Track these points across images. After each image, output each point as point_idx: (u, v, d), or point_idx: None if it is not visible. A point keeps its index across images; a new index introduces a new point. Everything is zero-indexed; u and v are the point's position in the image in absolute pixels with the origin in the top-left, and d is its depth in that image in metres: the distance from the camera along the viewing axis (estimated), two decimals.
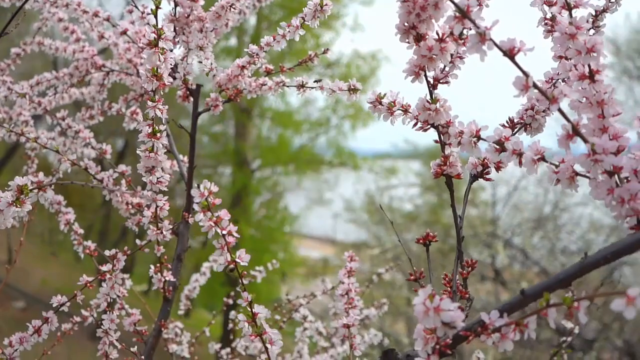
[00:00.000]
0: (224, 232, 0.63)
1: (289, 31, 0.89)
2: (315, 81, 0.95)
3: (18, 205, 0.69)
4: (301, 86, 0.96)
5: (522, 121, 0.71)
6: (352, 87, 0.85)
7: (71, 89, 1.34)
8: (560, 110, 0.52)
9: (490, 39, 0.51)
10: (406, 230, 8.50)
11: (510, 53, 0.52)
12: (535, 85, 0.52)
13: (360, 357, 1.32)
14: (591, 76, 0.55)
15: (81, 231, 1.13)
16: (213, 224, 0.63)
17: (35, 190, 0.70)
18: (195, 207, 0.63)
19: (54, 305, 0.93)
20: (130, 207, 1.02)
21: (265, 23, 10.12)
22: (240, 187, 10.88)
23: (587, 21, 0.57)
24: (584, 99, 0.56)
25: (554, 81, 0.71)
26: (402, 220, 9.28)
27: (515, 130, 0.71)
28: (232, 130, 11.70)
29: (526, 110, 0.71)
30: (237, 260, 0.65)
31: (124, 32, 1.02)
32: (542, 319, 0.51)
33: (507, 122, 0.72)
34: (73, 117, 1.24)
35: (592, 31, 0.71)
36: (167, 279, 1.00)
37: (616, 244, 0.50)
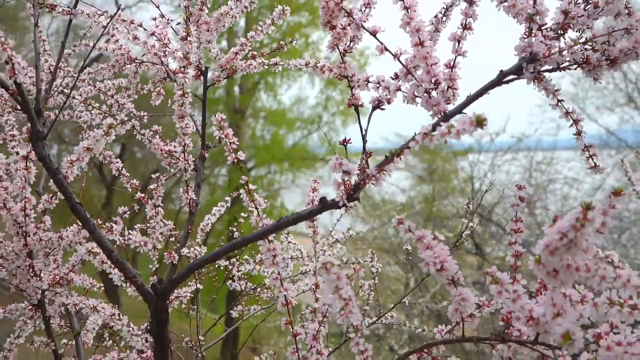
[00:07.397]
0: (230, 140, 1.12)
1: (265, 26, 1.40)
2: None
3: (107, 135, 1.18)
4: (276, 64, 1.46)
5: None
6: (307, 62, 1.35)
7: (118, 79, 1.84)
8: (401, 62, 1.02)
9: (362, 26, 1.01)
10: None
11: (373, 33, 1.02)
12: (385, 48, 1.01)
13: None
14: (421, 43, 1.05)
15: (128, 174, 1.63)
16: (224, 136, 1.12)
17: (120, 125, 1.19)
18: (213, 127, 1.12)
19: None
20: (162, 152, 1.51)
21: (255, 25, 10.66)
22: (237, 186, 11.34)
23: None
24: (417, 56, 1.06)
25: None
26: (396, 212, 9.68)
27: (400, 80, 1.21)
28: None
29: None
30: (239, 157, 1.14)
31: (153, 34, 1.51)
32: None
33: (394, 74, 1.21)
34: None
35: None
36: (191, 197, 1.49)
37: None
